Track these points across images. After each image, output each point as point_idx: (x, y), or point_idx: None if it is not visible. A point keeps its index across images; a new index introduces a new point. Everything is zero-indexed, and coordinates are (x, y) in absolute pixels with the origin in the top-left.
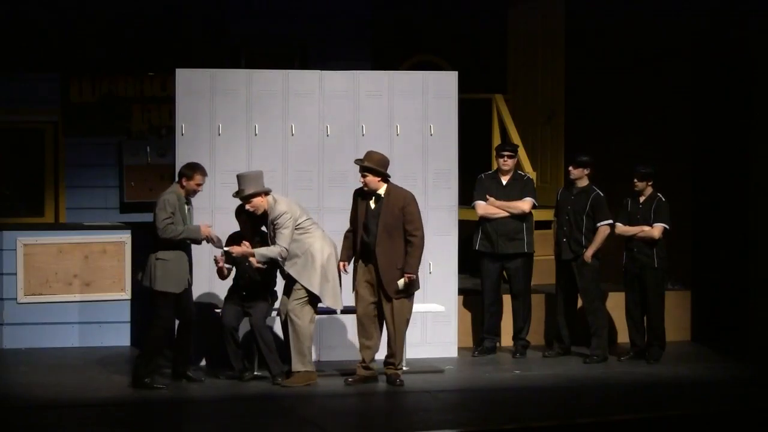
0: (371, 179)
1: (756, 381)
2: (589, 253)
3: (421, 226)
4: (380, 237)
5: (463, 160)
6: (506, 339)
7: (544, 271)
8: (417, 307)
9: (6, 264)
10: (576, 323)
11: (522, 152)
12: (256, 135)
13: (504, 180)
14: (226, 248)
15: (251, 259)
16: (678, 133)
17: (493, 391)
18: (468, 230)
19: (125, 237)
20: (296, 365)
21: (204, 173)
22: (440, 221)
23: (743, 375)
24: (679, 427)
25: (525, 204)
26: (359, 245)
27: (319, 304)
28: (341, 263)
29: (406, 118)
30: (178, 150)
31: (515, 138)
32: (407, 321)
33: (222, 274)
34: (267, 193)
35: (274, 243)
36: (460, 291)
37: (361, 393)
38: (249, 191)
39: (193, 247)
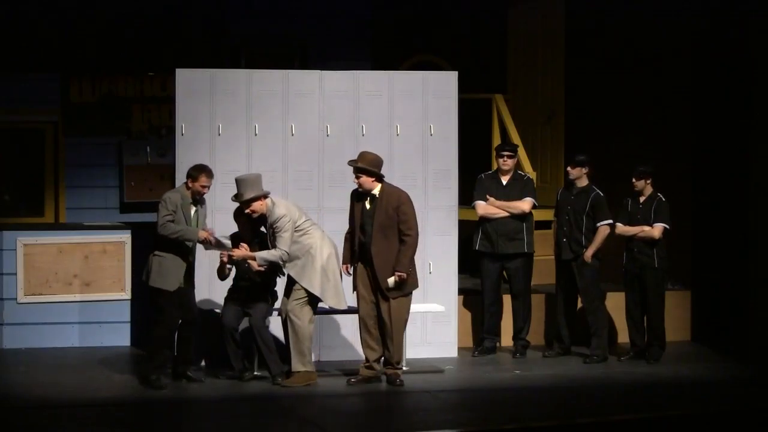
0: (365, 180)
1: (756, 381)
2: (589, 253)
3: (416, 225)
4: (375, 237)
5: (463, 160)
6: (506, 339)
7: (544, 271)
8: (417, 307)
9: (6, 264)
10: (576, 323)
11: (522, 152)
12: (256, 135)
13: (504, 180)
14: (228, 251)
15: (251, 262)
16: (678, 133)
17: (493, 391)
18: (468, 230)
19: (125, 237)
20: (296, 365)
21: (210, 175)
22: (440, 221)
23: (743, 375)
24: (679, 427)
25: (525, 204)
26: (357, 246)
27: (320, 304)
28: (344, 266)
29: (406, 118)
30: (178, 150)
31: (515, 138)
32: (405, 320)
33: (222, 274)
34: (266, 195)
35: (274, 246)
36: (460, 291)
37: (361, 393)
38: (248, 196)
39: (197, 249)
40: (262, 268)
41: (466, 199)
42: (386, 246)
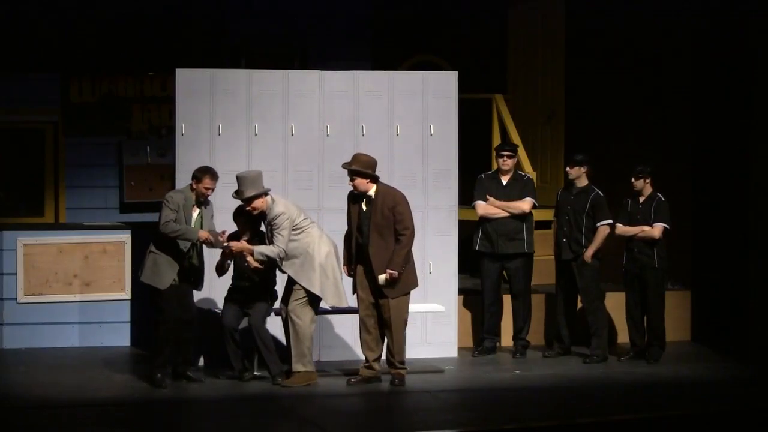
0: (360, 182)
1: (756, 381)
2: (589, 253)
3: (412, 225)
4: (372, 238)
5: (463, 160)
6: (506, 339)
7: (544, 271)
8: (417, 307)
9: (6, 264)
10: (576, 323)
11: (522, 152)
12: (256, 135)
13: (504, 180)
14: (226, 244)
15: (249, 258)
16: (678, 133)
17: (493, 391)
18: (468, 230)
19: (125, 237)
20: (296, 365)
21: (214, 177)
22: (440, 221)
23: (743, 375)
24: (679, 427)
25: (525, 204)
26: (355, 247)
27: (321, 304)
28: (344, 267)
29: (406, 118)
30: (178, 150)
31: (515, 138)
32: (405, 320)
33: (222, 270)
34: (266, 193)
35: (272, 243)
36: (460, 291)
37: (361, 393)
38: (249, 193)
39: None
40: (259, 264)
41: (466, 199)
42: (383, 246)
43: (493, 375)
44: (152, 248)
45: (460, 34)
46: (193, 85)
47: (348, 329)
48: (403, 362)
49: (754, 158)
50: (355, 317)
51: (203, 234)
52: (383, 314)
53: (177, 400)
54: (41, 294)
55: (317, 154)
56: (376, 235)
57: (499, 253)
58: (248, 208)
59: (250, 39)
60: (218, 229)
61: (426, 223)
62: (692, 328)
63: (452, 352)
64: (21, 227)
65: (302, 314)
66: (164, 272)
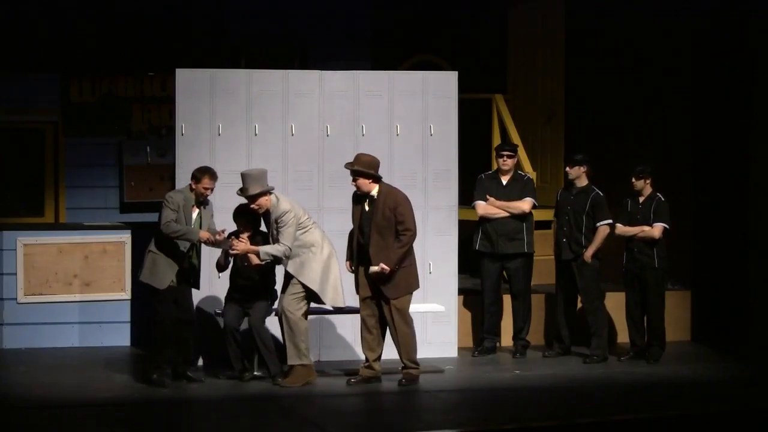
0: (362, 182)
1: (756, 381)
2: (589, 253)
3: (413, 226)
4: (373, 238)
5: (463, 160)
6: (506, 339)
7: (544, 271)
8: (417, 307)
9: (6, 264)
10: (576, 323)
11: (522, 152)
12: (256, 135)
13: (504, 180)
14: (231, 249)
15: (251, 256)
16: (678, 133)
17: (493, 391)
18: (468, 230)
19: (125, 237)
20: (292, 359)
21: (213, 177)
22: (440, 221)
23: (743, 375)
24: (679, 427)
25: (525, 204)
26: (356, 247)
27: (319, 304)
28: (346, 262)
29: (406, 118)
30: (178, 150)
31: (515, 138)
32: (411, 319)
33: (223, 267)
34: (270, 191)
35: (277, 241)
36: (460, 291)
37: (361, 393)
38: (254, 191)
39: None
40: (262, 263)
41: (466, 199)
42: (384, 247)
43: (493, 375)
44: (152, 248)
45: (460, 34)
46: (193, 85)
47: (348, 329)
48: (413, 361)
49: (754, 158)
50: (356, 317)
51: (204, 235)
52: (386, 316)
53: (177, 400)
54: (41, 294)
55: (317, 154)
56: (377, 235)
57: (499, 253)
58: (253, 206)
59: (250, 39)
60: (218, 229)
61: (426, 223)
62: (692, 328)
63: (452, 352)
64: (21, 227)
65: (295, 309)
66: (163, 272)
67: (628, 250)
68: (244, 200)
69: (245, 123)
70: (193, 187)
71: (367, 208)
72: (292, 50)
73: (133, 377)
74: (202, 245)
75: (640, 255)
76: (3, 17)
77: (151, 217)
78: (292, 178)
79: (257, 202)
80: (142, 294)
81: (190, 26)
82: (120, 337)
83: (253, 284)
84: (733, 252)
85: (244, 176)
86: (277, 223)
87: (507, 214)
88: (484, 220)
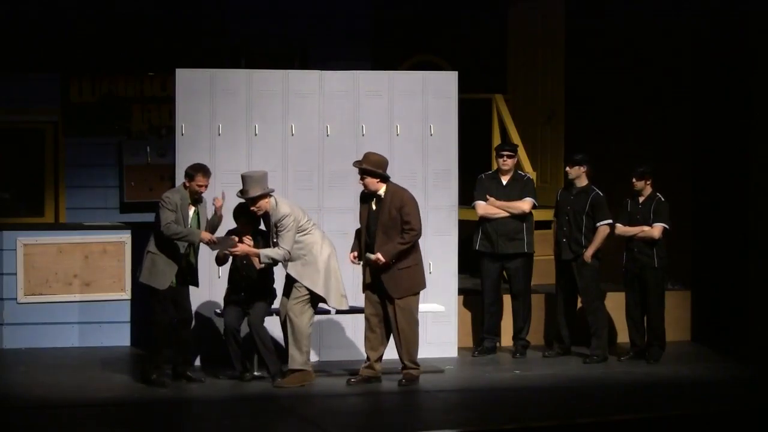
0: (370, 181)
1: (756, 381)
2: (588, 253)
3: (419, 227)
4: (378, 237)
5: (463, 160)
6: (506, 339)
7: (544, 271)
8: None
9: (6, 264)
10: (576, 323)
11: (522, 152)
12: (256, 135)
13: (504, 180)
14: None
15: (254, 259)
16: (678, 133)
17: (493, 391)
18: (468, 230)
19: (125, 237)
20: (293, 364)
21: (207, 174)
22: (440, 221)
23: (743, 375)
24: (679, 427)
25: (525, 204)
26: (363, 247)
27: (322, 305)
28: (351, 254)
29: (406, 118)
30: (178, 150)
31: (515, 138)
32: (415, 320)
33: (222, 261)
34: (270, 194)
35: (276, 245)
36: (460, 291)
37: (361, 393)
38: (254, 193)
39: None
40: (263, 265)
41: (466, 199)
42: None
43: (493, 375)
44: (150, 248)
45: (460, 34)
46: (193, 85)
47: (348, 329)
48: (414, 362)
49: (754, 158)
50: (356, 317)
51: (206, 236)
52: (390, 316)
53: (177, 400)
54: (41, 294)
55: (317, 154)
56: (382, 234)
57: (499, 253)
58: (253, 208)
59: (250, 39)
60: (218, 230)
61: (426, 223)
62: (692, 328)
63: (452, 352)
64: (21, 227)
65: (301, 313)
66: (163, 273)
67: (628, 250)
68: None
69: (245, 123)
70: (187, 185)
71: (374, 207)
72: (292, 50)
73: (133, 377)
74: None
75: (640, 255)
76: (3, 17)
77: (151, 217)
78: (292, 178)
79: (257, 204)
80: (142, 294)
81: (190, 26)
82: (120, 337)
83: (252, 283)
84: (733, 252)
85: (244, 178)
86: (276, 226)
87: (507, 214)
88: (484, 220)
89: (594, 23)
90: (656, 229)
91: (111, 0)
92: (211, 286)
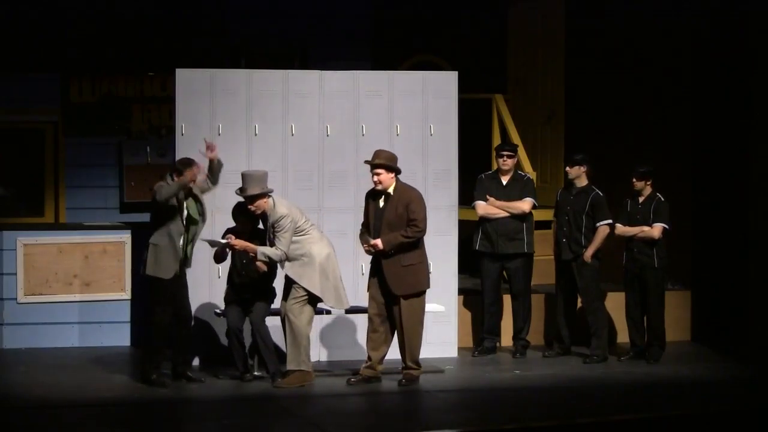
0: (385, 177)
1: (756, 381)
2: (588, 253)
3: (424, 225)
4: (383, 233)
5: (463, 160)
6: (506, 339)
7: (544, 271)
8: None
9: (6, 264)
10: (576, 323)
11: (522, 152)
12: (256, 135)
13: (504, 180)
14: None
15: (259, 264)
16: (678, 132)
17: (493, 391)
18: (468, 230)
19: (125, 237)
20: (291, 364)
21: (196, 168)
22: (440, 221)
23: (743, 375)
24: (679, 427)
25: (525, 204)
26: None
27: (321, 305)
28: (365, 245)
29: (406, 118)
30: (178, 150)
31: (515, 138)
32: (421, 321)
33: (221, 258)
34: (269, 194)
35: (273, 245)
36: (460, 291)
37: (361, 393)
38: (253, 192)
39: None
40: (264, 266)
41: (466, 199)
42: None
43: (493, 375)
44: (152, 240)
45: (460, 34)
46: (193, 85)
47: (349, 329)
48: (415, 362)
49: (754, 158)
50: (357, 317)
51: (191, 175)
52: (395, 315)
53: (177, 400)
54: (41, 294)
55: (317, 154)
56: (387, 230)
57: (499, 253)
58: (250, 207)
59: (250, 39)
60: (217, 230)
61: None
62: (692, 328)
63: (452, 352)
64: (21, 227)
65: (300, 314)
66: (167, 262)
67: (627, 250)
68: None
69: (245, 123)
70: (176, 180)
71: (381, 204)
72: (292, 50)
73: (133, 377)
74: (198, 245)
75: (640, 255)
76: (3, 17)
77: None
78: (292, 178)
79: (255, 204)
80: (142, 294)
81: (190, 26)
82: (120, 337)
83: (252, 283)
84: (733, 252)
85: (244, 176)
86: (273, 227)
87: (507, 214)
88: (484, 220)
89: (594, 23)
90: (656, 229)
91: (111, 0)
92: (211, 286)
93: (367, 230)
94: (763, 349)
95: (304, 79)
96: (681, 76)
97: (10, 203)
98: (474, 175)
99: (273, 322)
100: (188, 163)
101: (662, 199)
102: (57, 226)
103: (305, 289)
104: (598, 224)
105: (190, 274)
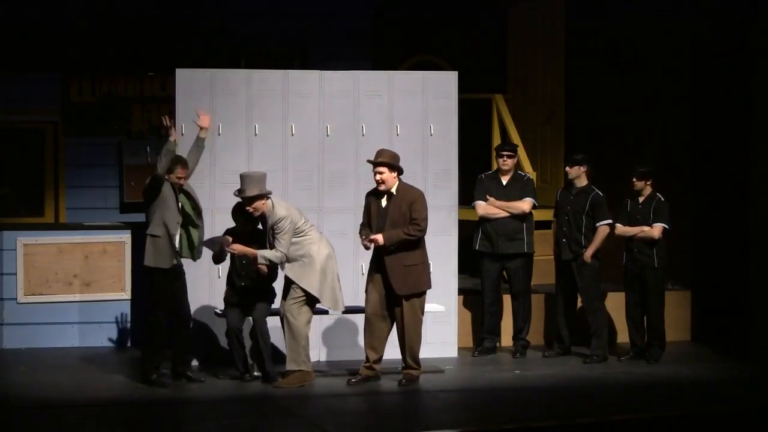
0: (387, 175)
1: (756, 381)
2: (588, 253)
3: (425, 225)
4: (386, 232)
5: (463, 160)
6: (506, 339)
7: (544, 271)
8: None
9: (6, 264)
10: (576, 323)
11: (522, 152)
12: (256, 135)
13: (504, 180)
14: (229, 248)
15: (260, 267)
16: (678, 133)
17: (493, 391)
18: (468, 230)
19: (125, 237)
20: (290, 364)
21: (185, 166)
22: (440, 221)
23: (743, 375)
24: (679, 427)
25: (525, 204)
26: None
27: (320, 305)
28: (364, 240)
29: (406, 118)
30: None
31: (515, 138)
32: (420, 321)
33: (220, 259)
34: (267, 196)
35: (273, 247)
36: (460, 291)
37: (361, 393)
38: (251, 193)
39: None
40: (265, 268)
41: (466, 199)
42: (399, 243)
43: (493, 375)
44: (148, 231)
45: (460, 34)
46: (193, 85)
47: (348, 329)
48: (416, 361)
49: (754, 158)
50: (357, 317)
51: (173, 136)
52: (396, 316)
53: (177, 400)
54: (41, 294)
55: (317, 154)
56: (390, 229)
57: (499, 253)
58: (248, 208)
59: (250, 39)
60: (217, 230)
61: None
62: (692, 328)
63: (452, 352)
64: (21, 227)
65: (298, 314)
66: (165, 251)
67: (627, 250)
68: None
69: (245, 123)
70: (167, 178)
71: (383, 204)
72: (292, 50)
73: (133, 377)
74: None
75: (640, 255)
76: (3, 17)
77: None
78: (292, 178)
79: (253, 205)
80: (142, 294)
81: (190, 26)
82: (120, 337)
83: (253, 283)
84: (733, 252)
85: (243, 177)
86: (273, 229)
87: (507, 214)
88: (484, 220)
89: (594, 23)
90: (656, 229)
91: (111, 0)
92: (210, 286)
93: (369, 229)
94: (763, 349)
95: (304, 79)
96: (681, 76)
97: (10, 203)
98: (474, 175)
99: (273, 323)
100: (177, 161)
101: (662, 199)
102: (57, 226)
103: (303, 290)
104: (598, 224)
105: (190, 274)
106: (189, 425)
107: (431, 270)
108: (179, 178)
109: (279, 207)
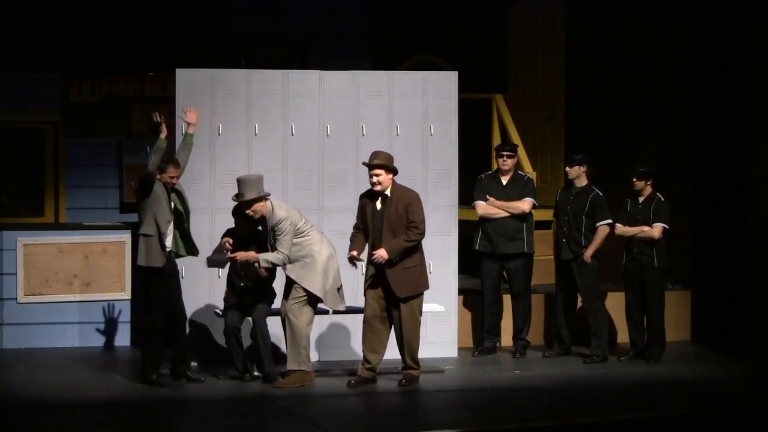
0: (384, 177)
1: (756, 381)
2: (588, 253)
3: (423, 227)
4: (385, 237)
5: (463, 160)
6: (506, 339)
7: (544, 271)
8: None
9: (6, 264)
10: (576, 323)
11: (522, 152)
12: (256, 135)
13: (504, 180)
14: (230, 255)
15: (260, 270)
16: (678, 133)
17: (493, 391)
18: (468, 230)
19: (125, 237)
20: (291, 364)
21: (177, 165)
22: (440, 221)
23: (743, 375)
24: (679, 427)
25: (525, 204)
26: (369, 247)
27: (321, 305)
28: (353, 252)
29: (406, 118)
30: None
31: (515, 138)
32: (419, 321)
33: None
34: (266, 197)
35: (274, 249)
36: (460, 291)
37: (361, 393)
38: (250, 196)
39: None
40: (266, 271)
41: (466, 199)
42: None
43: (493, 375)
44: (141, 231)
45: (460, 34)
46: (193, 85)
47: (348, 329)
48: (415, 361)
49: (754, 158)
50: (357, 317)
51: (164, 129)
52: (395, 318)
53: (177, 400)
54: (41, 294)
55: (317, 154)
56: (390, 234)
57: (499, 253)
58: (248, 212)
59: (250, 39)
60: (216, 230)
61: (426, 223)
62: (692, 328)
63: (452, 352)
64: (21, 227)
65: (300, 314)
66: (157, 250)
67: (627, 250)
68: None
69: (245, 123)
70: (159, 177)
71: (379, 206)
72: (292, 50)
73: (133, 377)
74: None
75: (640, 255)
76: (3, 17)
77: None
78: (292, 178)
79: (252, 208)
80: (142, 294)
81: (190, 26)
82: (120, 337)
83: (253, 284)
84: (733, 252)
85: (240, 181)
86: (273, 231)
87: (507, 214)
88: (484, 220)
89: (594, 23)
90: (656, 229)
91: (111, 0)
92: (210, 286)
93: (363, 232)
94: (763, 349)
95: (304, 79)
96: (681, 76)
97: (10, 203)
98: (474, 175)
99: (272, 323)
100: (169, 160)
101: (662, 199)
102: (57, 226)
103: (305, 290)
104: (597, 224)
105: (190, 275)
106: (189, 425)
107: (431, 270)
108: (171, 177)
109: (279, 208)
